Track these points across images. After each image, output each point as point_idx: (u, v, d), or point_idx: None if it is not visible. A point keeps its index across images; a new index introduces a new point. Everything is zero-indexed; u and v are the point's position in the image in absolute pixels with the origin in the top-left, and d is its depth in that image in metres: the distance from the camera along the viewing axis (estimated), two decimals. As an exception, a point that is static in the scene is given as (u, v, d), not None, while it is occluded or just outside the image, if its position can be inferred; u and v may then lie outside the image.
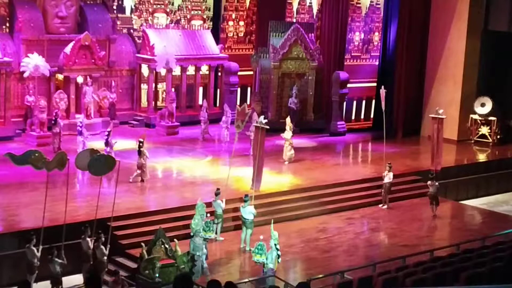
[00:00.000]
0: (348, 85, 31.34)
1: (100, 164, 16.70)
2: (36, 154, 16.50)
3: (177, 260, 16.86)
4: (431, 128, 25.41)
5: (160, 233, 17.07)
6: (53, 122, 25.36)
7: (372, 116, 33.69)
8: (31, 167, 16.46)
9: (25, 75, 26.78)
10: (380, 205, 23.25)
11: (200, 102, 31.60)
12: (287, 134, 25.72)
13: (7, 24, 28.62)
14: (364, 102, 35.12)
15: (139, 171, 22.22)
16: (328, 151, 28.47)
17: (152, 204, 20.64)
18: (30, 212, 19.60)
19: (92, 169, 16.77)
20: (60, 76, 28.27)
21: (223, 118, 27.83)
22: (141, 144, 22.28)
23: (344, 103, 31.83)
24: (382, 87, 26.25)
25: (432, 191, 22.98)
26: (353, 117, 34.81)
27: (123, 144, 25.98)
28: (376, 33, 36.00)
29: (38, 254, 16.51)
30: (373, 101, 33.58)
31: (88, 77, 28.09)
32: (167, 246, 16.88)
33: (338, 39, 32.11)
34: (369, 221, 22.43)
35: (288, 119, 26.17)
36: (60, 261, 16.42)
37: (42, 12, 28.35)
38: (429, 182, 23.05)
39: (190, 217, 19.38)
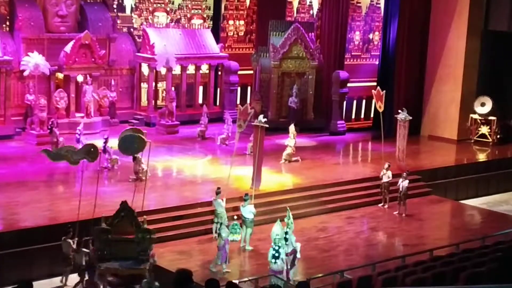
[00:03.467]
0: (348, 85, 31.34)
1: (131, 143, 18.08)
2: (68, 150, 17.63)
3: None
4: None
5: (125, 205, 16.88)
6: (49, 131, 25.33)
7: (372, 115, 33.69)
8: (66, 161, 17.55)
9: (25, 73, 26.78)
10: (380, 205, 23.24)
11: (200, 101, 31.61)
12: (291, 141, 25.74)
13: (7, 23, 28.60)
14: (364, 101, 35.13)
15: (135, 176, 22.27)
16: (328, 150, 28.47)
17: (152, 203, 20.63)
18: (29, 211, 19.61)
19: (122, 144, 18.21)
20: (60, 75, 28.27)
21: (224, 126, 27.77)
22: None
23: (344, 103, 31.83)
24: (378, 88, 26.34)
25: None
26: (353, 117, 34.83)
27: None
28: (376, 33, 36.03)
29: (74, 246, 17.13)
30: (373, 101, 33.54)
31: (88, 76, 28.10)
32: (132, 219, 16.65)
33: (338, 39, 32.11)
34: (368, 220, 22.43)
35: (292, 127, 26.08)
36: (87, 251, 16.88)
37: (42, 10, 28.34)
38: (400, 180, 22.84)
39: (190, 216, 19.46)
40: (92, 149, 17.52)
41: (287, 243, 17.21)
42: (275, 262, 17.17)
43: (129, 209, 16.81)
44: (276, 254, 17.12)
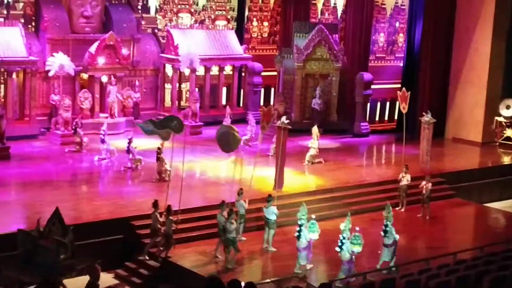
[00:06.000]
0: (372, 86, 31.24)
1: (227, 140, 19.09)
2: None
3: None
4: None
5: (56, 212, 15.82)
6: (73, 131, 25.54)
7: (396, 117, 33.54)
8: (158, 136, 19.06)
9: (50, 74, 26.96)
10: (397, 208, 23.01)
11: (223, 102, 31.64)
12: (314, 143, 25.70)
13: (33, 24, 28.85)
14: (388, 103, 34.98)
15: (158, 177, 22.40)
16: (351, 152, 28.39)
17: (175, 203, 20.67)
18: (53, 209, 19.66)
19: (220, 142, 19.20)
20: (84, 75, 28.44)
21: (248, 127, 27.79)
22: (159, 151, 22.47)
23: (368, 104, 31.72)
24: (404, 89, 26.24)
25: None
26: (376, 119, 34.70)
27: (146, 143, 26.08)
28: (401, 34, 35.87)
29: (161, 219, 18.07)
30: (397, 102, 33.40)
31: (112, 76, 28.23)
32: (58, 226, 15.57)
33: (363, 40, 32.03)
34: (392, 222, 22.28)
35: (315, 128, 26.04)
36: (174, 219, 17.97)
37: (68, 11, 28.54)
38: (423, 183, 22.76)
39: (213, 216, 19.46)
40: (175, 122, 18.59)
41: (387, 235, 17.94)
42: (341, 251, 17.25)
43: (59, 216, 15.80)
44: (340, 244, 17.20)
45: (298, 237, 17.53)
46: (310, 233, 17.68)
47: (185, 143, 19.41)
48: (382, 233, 18.02)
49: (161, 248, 18.25)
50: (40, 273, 14.19)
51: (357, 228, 17.51)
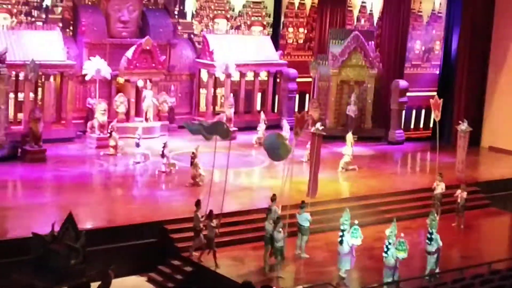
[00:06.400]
0: (408, 94, 31.05)
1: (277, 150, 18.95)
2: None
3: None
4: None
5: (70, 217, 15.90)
6: (108, 135, 25.74)
7: (431, 125, 33.29)
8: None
9: (87, 78, 27.22)
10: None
11: (258, 107, 31.67)
12: (348, 150, 25.61)
13: (71, 28, 29.15)
14: (423, 111, 34.72)
15: (192, 181, 22.47)
16: (385, 160, 28.26)
17: (208, 208, 20.71)
18: (88, 213, 19.88)
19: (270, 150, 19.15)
20: (121, 80, 28.65)
21: (282, 133, 27.72)
22: (193, 156, 22.54)
23: (403, 112, 31.54)
24: (436, 96, 26.05)
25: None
26: (411, 126, 34.46)
27: (181, 147, 26.23)
28: (437, 42, 35.60)
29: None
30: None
31: (148, 81, 28.41)
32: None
33: (398, 47, 31.88)
34: (425, 231, 22.09)
35: (349, 135, 25.95)
36: (214, 225, 18.01)
37: (105, 16, 28.82)
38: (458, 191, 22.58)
39: (245, 222, 19.49)
40: (223, 127, 18.90)
41: (432, 242, 17.95)
42: (386, 257, 17.31)
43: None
44: (385, 249, 17.29)
45: (341, 242, 17.51)
46: (352, 239, 17.65)
47: (229, 149, 19.37)
48: (427, 241, 17.99)
49: (196, 248, 18.36)
50: (51, 278, 14.28)
51: (402, 234, 17.54)
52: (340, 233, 17.55)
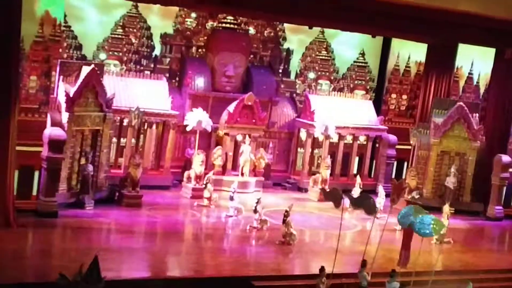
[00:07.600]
0: (510, 170, 30.23)
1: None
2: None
3: None
4: None
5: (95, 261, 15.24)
6: (204, 186, 26.00)
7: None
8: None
9: (188, 128, 27.67)
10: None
11: (354, 171, 31.42)
12: (444, 222, 25.01)
13: (177, 78, 29.85)
14: (526, 188, 33.68)
15: (283, 239, 22.34)
16: (482, 235, 27.44)
17: (296, 268, 20.55)
18: (177, 261, 19.99)
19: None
20: (220, 133, 29.01)
21: (377, 199, 27.38)
22: (286, 214, 22.45)
23: (504, 188, 30.69)
24: None
25: None
26: (512, 203, 33.45)
27: (274, 204, 26.21)
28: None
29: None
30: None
31: (247, 136, 28.64)
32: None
33: (503, 121, 31.18)
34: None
35: (446, 207, 25.39)
36: (365, 274, 18.35)
37: (211, 69, 29.38)
38: None
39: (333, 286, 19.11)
40: (370, 202, 19.25)
41: None
42: None
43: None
44: None
45: None
46: None
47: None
48: None
49: None
50: None
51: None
52: None
